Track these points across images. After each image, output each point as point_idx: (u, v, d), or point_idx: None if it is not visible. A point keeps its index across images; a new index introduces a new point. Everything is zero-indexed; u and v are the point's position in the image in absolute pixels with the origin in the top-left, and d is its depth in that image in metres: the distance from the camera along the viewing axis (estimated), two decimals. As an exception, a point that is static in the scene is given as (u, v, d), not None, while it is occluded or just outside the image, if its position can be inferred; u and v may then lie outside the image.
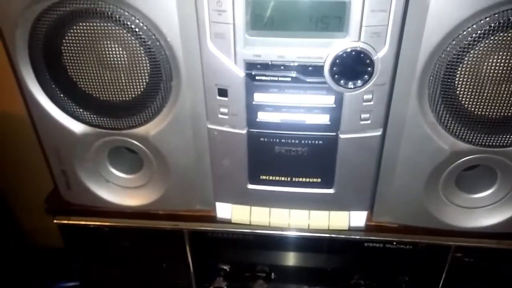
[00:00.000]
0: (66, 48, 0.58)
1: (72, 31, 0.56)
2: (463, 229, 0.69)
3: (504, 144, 0.61)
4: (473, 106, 0.57)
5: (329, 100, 0.59)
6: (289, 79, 0.57)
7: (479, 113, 0.58)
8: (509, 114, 0.57)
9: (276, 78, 0.57)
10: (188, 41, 0.56)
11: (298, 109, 0.60)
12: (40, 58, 0.60)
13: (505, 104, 0.56)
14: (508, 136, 0.60)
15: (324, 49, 0.54)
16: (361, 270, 0.79)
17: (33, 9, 0.55)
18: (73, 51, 0.58)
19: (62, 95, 0.63)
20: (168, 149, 0.66)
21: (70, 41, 0.57)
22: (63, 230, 0.79)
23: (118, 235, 0.78)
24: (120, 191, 0.74)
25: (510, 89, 0.55)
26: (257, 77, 0.57)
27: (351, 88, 0.56)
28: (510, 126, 0.59)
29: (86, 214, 0.76)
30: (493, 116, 0.58)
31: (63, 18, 0.55)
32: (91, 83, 0.60)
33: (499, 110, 0.57)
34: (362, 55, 0.54)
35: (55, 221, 0.78)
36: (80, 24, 0.56)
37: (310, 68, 0.56)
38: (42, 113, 0.64)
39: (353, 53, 0.54)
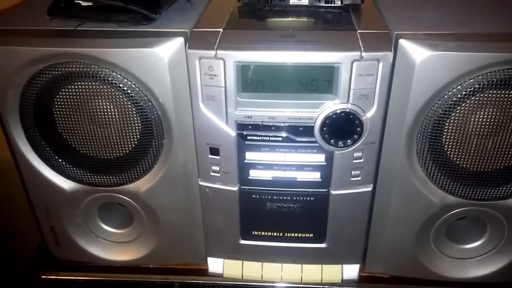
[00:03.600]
0: (57, 107, 0.58)
1: (64, 91, 0.57)
2: (455, 279, 0.69)
3: (493, 197, 0.61)
4: (461, 161, 0.58)
5: (320, 158, 0.59)
6: (280, 138, 0.58)
7: (467, 167, 0.59)
8: (496, 168, 0.59)
9: (267, 138, 0.58)
10: (180, 101, 0.57)
11: (289, 166, 0.60)
12: (31, 118, 0.60)
13: (492, 158, 0.58)
14: (496, 190, 0.61)
15: (314, 111, 0.55)
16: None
17: (25, 72, 0.56)
18: (64, 110, 0.58)
19: (52, 153, 0.63)
20: (159, 205, 0.66)
21: (62, 101, 0.57)
22: (51, 285, 0.77)
23: (108, 290, 0.77)
24: (110, 246, 0.73)
25: (496, 143, 0.56)
26: (248, 137, 0.58)
27: (341, 147, 0.57)
28: (498, 179, 0.60)
29: (75, 269, 0.75)
30: (481, 170, 0.59)
31: (55, 80, 0.56)
32: (82, 141, 0.60)
33: (487, 164, 0.58)
34: (351, 116, 0.55)
35: (43, 276, 0.76)
36: (72, 85, 0.56)
37: (300, 128, 0.57)
38: (32, 171, 0.64)
39: (343, 114, 0.55)
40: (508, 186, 0.60)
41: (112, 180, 0.64)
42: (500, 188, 0.61)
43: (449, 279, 0.69)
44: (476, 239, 0.69)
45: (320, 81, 0.54)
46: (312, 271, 0.70)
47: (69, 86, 0.56)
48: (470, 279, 0.69)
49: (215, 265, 0.71)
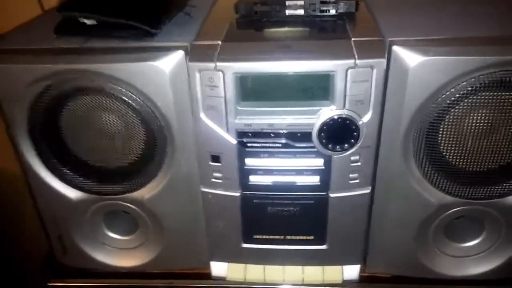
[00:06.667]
0: (64, 121, 0.60)
1: (70, 105, 0.58)
2: (455, 277, 0.70)
3: (489, 196, 0.62)
4: (457, 161, 0.59)
5: (318, 163, 0.61)
6: (279, 145, 0.59)
7: (463, 167, 0.59)
8: (492, 167, 0.59)
9: (267, 145, 0.59)
10: (182, 112, 0.58)
11: (289, 171, 0.61)
12: (39, 132, 0.61)
13: (487, 158, 0.58)
14: (492, 188, 0.62)
15: (312, 117, 0.57)
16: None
17: (33, 88, 0.57)
18: (71, 124, 0.60)
19: (59, 165, 0.64)
20: (163, 211, 0.67)
21: (69, 114, 0.59)
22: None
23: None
24: (115, 252, 0.74)
25: (491, 143, 0.57)
26: (248, 144, 0.59)
27: (338, 151, 0.58)
28: (494, 178, 0.61)
29: (81, 275, 0.76)
30: (477, 170, 0.60)
31: (62, 95, 0.57)
32: (89, 153, 0.62)
33: (482, 164, 0.59)
34: (347, 121, 0.56)
35: (49, 283, 0.77)
36: (78, 99, 0.58)
37: (299, 134, 0.58)
38: (40, 182, 0.65)
39: (339, 120, 0.56)
40: (504, 184, 0.61)
41: (117, 188, 0.65)
42: (496, 187, 0.61)
43: (449, 277, 0.70)
44: (474, 237, 0.70)
45: (316, 88, 0.55)
46: (313, 272, 0.71)
47: (75, 101, 0.58)
48: (470, 277, 0.70)
49: (218, 269, 0.72)
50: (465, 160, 0.59)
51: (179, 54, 0.55)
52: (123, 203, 0.68)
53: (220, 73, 0.54)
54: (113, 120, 0.58)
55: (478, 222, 0.68)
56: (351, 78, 0.53)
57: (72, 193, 0.66)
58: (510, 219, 0.65)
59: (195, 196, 0.66)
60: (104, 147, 0.61)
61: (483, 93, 0.54)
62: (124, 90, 0.56)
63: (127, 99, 0.57)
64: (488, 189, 0.62)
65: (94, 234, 0.72)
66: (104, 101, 0.57)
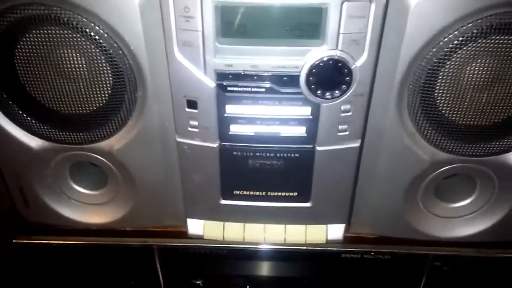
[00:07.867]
0: (19, 58, 0.53)
1: (25, 39, 0.52)
2: (442, 239, 0.68)
3: (485, 153, 0.59)
4: (454, 115, 0.56)
5: (305, 111, 0.56)
6: (263, 89, 0.54)
7: (459, 122, 0.56)
8: (490, 122, 0.56)
9: (249, 89, 0.54)
10: (154, 49, 0.52)
11: (273, 121, 0.57)
12: (-11, 69, 0.55)
13: (485, 113, 0.55)
14: (488, 145, 0.59)
15: (300, 58, 0.52)
16: (339, 281, 0.77)
17: (-22, 16, 0.51)
18: (27, 61, 0.53)
19: (16, 108, 0.58)
20: (134, 164, 0.62)
21: (24, 50, 0.53)
22: (23, 250, 0.73)
23: (83, 254, 0.74)
24: (83, 208, 0.70)
25: (491, 97, 0.54)
26: (228, 88, 0.54)
27: (328, 98, 0.54)
28: (491, 135, 0.58)
29: (48, 233, 0.72)
30: (474, 125, 0.57)
31: (14, 26, 0.51)
32: (48, 95, 0.56)
33: (480, 119, 0.56)
34: (339, 64, 0.51)
35: (14, 241, 0.72)
36: (34, 31, 0.51)
37: (285, 78, 0.53)
38: (-5, 128, 0.60)
39: (331, 62, 0.51)
40: (502, 140, 0.59)
41: (82, 137, 0.60)
42: (493, 143, 0.59)
43: (436, 239, 0.68)
44: (465, 198, 0.68)
45: (306, 24, 0.50)
46: (295, 232, 0.69)
47: (30, 33, 0.51)
48: (459, 238, 0.68)
49: (195, 226, 0.69)
50: (462, 114, 0.56)
51: (150, -22, 0.48)
52: (90, 154, 0.63)
53: (197, 0, 0.47)
54: (74, 58, 0.52)
55: (470, 181, 0.66)
56: (346, 12, 0.48)
57: (32, 141, 0.61)
58: (504, 179, 0.63)
59: (170, 147, 0.61)
60: (66, 89, 0.55)
61: (489, 37, 0.50)
62: (85, 20, 0.50)
63: (89, 31, 0.51)
64: (485, 146, 0.59)
65: (59, 187, 0.68)
66: (62, 34, 0.51)
